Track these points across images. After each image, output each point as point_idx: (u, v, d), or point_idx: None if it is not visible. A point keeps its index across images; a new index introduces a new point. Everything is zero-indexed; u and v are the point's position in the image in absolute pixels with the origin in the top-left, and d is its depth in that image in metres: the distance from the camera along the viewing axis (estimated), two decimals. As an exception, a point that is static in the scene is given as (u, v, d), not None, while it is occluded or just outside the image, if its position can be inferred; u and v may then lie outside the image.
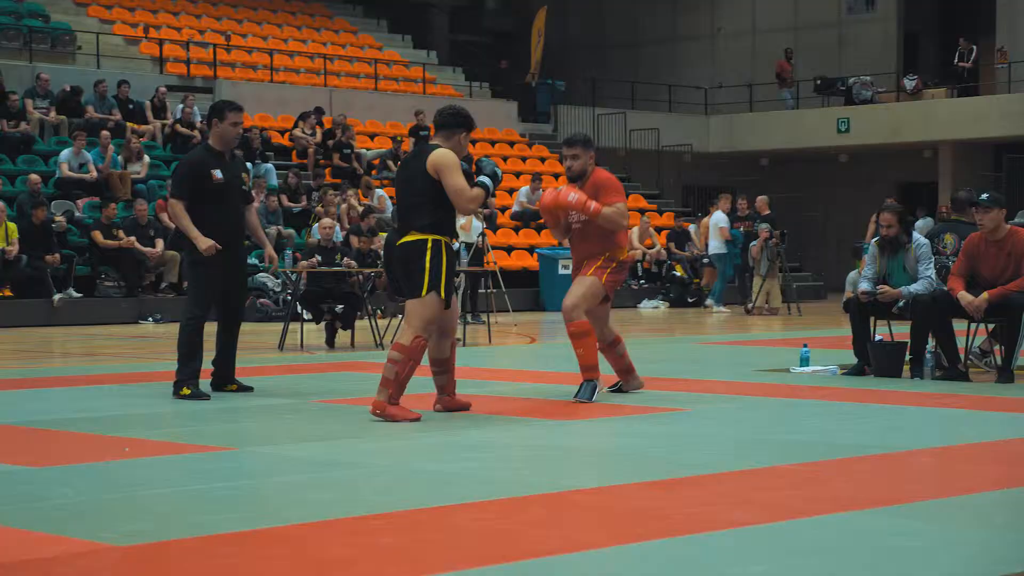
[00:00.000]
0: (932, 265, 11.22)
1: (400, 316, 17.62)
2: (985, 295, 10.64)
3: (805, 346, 12.21)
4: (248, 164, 24.70)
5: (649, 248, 27.37)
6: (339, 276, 15.42)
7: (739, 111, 35.90)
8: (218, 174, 9.63)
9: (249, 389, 10.03)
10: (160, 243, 21.08)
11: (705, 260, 26.29)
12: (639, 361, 13.28)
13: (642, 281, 26.99)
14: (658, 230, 28.86)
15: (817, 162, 35.60)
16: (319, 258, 15.38)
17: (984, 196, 10.83)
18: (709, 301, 24.81)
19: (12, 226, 19.82)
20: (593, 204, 9.33)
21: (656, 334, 19.10)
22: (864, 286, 11.41)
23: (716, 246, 24.50)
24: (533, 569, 4.58)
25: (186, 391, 9.56)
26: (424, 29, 37.04)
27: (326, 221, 15.98)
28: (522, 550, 4.85)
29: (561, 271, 24.55)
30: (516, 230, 27.08)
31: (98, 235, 20.68)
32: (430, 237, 8.30)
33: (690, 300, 26.28)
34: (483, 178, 8.46)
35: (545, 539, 5.04)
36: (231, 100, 10.26)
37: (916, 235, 11.41)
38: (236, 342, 10.12)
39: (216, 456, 7.02)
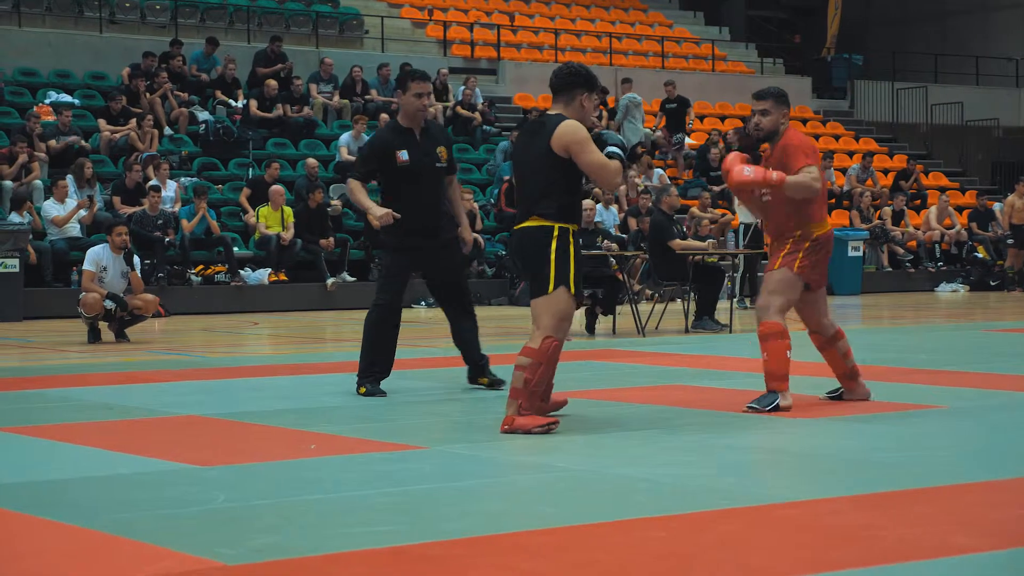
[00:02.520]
0: None
1: (669, 301, 17.18)
2: None
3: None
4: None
5: (948, 228, 25.91)
6: (599, 259, 14.83)
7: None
8: (403, 155, 8.75)
9: (501, 383, 8.98)
10: (435, 226, 20.87)
11: (1010, 241, 24.70)
12: (906, 350, 12.39)
13: (940, 263, 25.57)
14: (960, 209, 27.32)
15: None
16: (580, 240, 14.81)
17: None
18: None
19: (288, 210, 19.96)
20: (776, 174, 7.94)
21: (950, 319, 17.88)
22: None
23: None
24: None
25: (361, 390, 8.84)
26: (717, 5, 36.11)
27: (587, 203, 15.41)
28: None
29: (851, 252, 23.44)
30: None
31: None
32: (556, 224, 7.17)
33: (992, 283, 24.76)
34: (612, 148, 7.27)
35: (719, 565, 4.36)
36: (416, 70, 9.21)
37: None
38: (475, 331, 9.14)
39: (400, 456, 6.51)
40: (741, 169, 8.00)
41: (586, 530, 4.84)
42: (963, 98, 32.43)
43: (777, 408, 7.87)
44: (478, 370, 9.22)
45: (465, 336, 9.19)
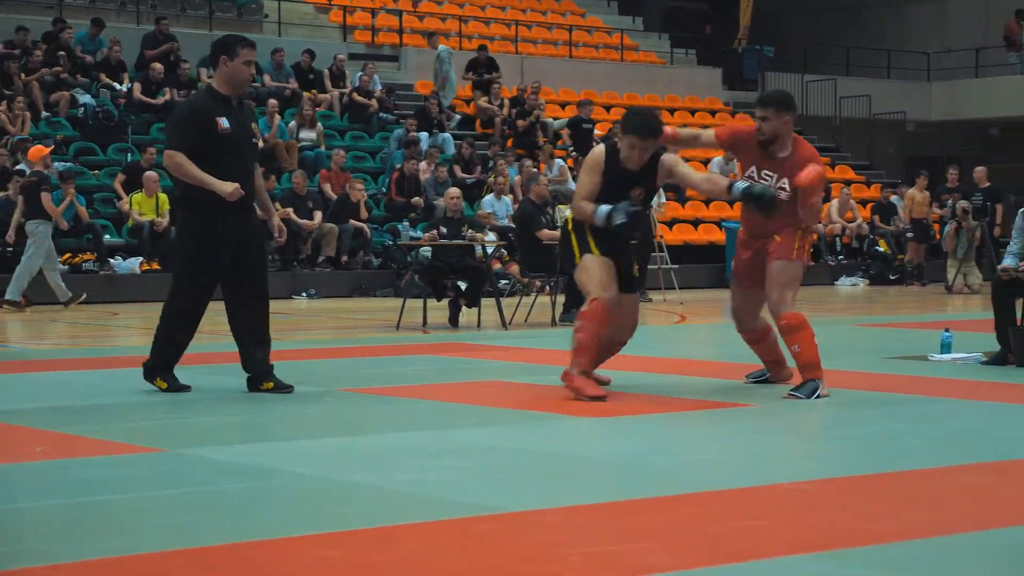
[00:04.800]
0: (1091, 240, 9.62)
1: (538, 293, 16.79)
2: None
3: (947, 330, 10.69)
4: (424, 134, 24.46)
5: (850, 222, 25.65)
6: (464, 250, 14.38)
7: (965, 77, 33.60)
8: (224, 123, 8.03)
9: (288, 388, 8.21)
10: (319, 215, 20.41)
11: (909, 235, 24.46)
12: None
13: (841, 257, 25.30)
14: (865, 203, 27.07)
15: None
16: (443, 230, 14.40)
17: None
18: None
19: (164, 197, 19.40)
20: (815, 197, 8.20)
21: (848, 313, 17.56)
22: (1007, 262, 9.89)
23: None
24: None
25: (162, 384, 8.20)
26: (633, -6, 35.73)
27: (452, 191, 14.95)
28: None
29: (749, 246, 23.09)
30: (706, 203, 25.66)
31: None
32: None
33: (892, 277, 24.52)
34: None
35: None
36: (242, 35, 8.59)
37: (1070, 204, 9.79)
38: (266, 328, 8.26)
39: (121, 461, 6.01)
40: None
41: (281, 543, 4.39)
42: (872, 91, 32.21)
43: (819, 396, 7.93)
44: (257, 377, 8.28)
45: (251, 337, 8.26)
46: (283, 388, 8.22)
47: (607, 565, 4.13)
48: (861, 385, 8.69)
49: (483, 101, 26.27)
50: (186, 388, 8.26)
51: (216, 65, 8.24)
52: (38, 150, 17.16)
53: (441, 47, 26.24)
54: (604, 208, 7.96)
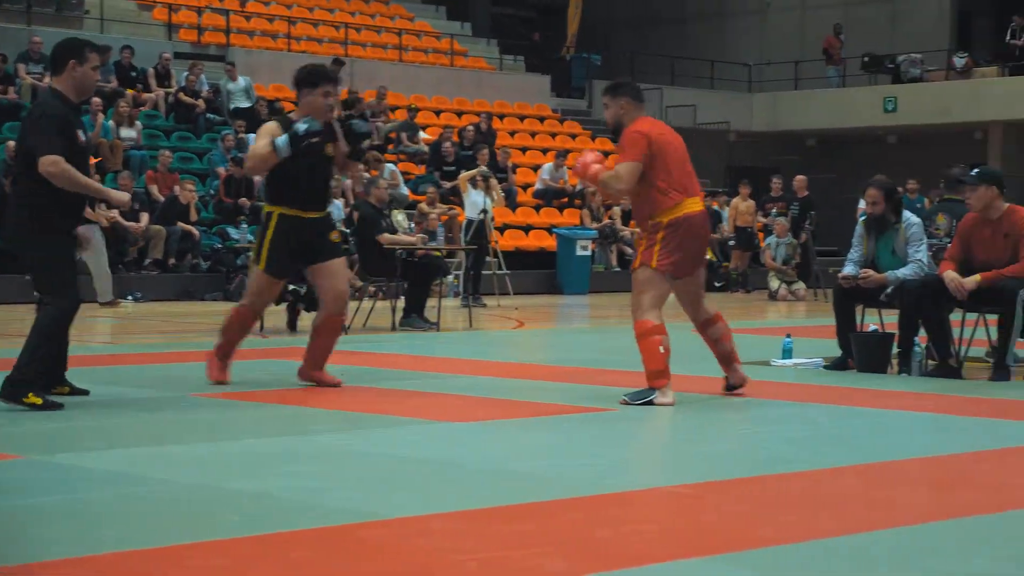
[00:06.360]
0: (924, 247, 9.86)
1: (378, 298, 16.65)
2: (977, 277, 9.29)
3: (788, 336, 10.88)
4: (253, 135, 24.03)
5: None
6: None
7: (785, 89, 34.39)
8: (82, 135, 7.72)
9: (84, 393, 7.94)
10: (145, 217, 19.98)
11: (732, 243, 24.92)
12: (606, 352, 12.12)
13: (668, 264, 25.59)
14: (690, 211, 27.43)
15: (865, 143, 34.03)
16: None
17: (972, 172, 9.49)
18: None
19: (-14, 196, 18.80)
20: (593, 168, 8.14)
21: (678, 320, 17.70)
22: (847, 270, 10.09)
23: None
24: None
25: (36, 400, 7.39)
26: (462, 0, 35.73)
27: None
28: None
29: (580, 252, 23.31)
30: (536, 208, 25.78)
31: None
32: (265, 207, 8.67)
33: (717, 284, 24.90)
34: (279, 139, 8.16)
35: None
36: (87, 40, 8.13)
37: (907, 214, 10.01)
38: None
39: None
40: (583, 158, 8.23)
41: (167, 552, 4.24)
42: (697, 101, 32.75)
43: (651, 403, 7.88)
44: (58, 378, 7.93)
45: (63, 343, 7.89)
46: (78, 392, 7.97)
47: (504, 571, 4.08)
48: (713, 389, 8.78)
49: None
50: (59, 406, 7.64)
51: (62, 69, 7.76)
52: None
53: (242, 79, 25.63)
54: (281, 138, 8.34)
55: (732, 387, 8.56)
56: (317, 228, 8.66)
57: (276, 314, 14.60)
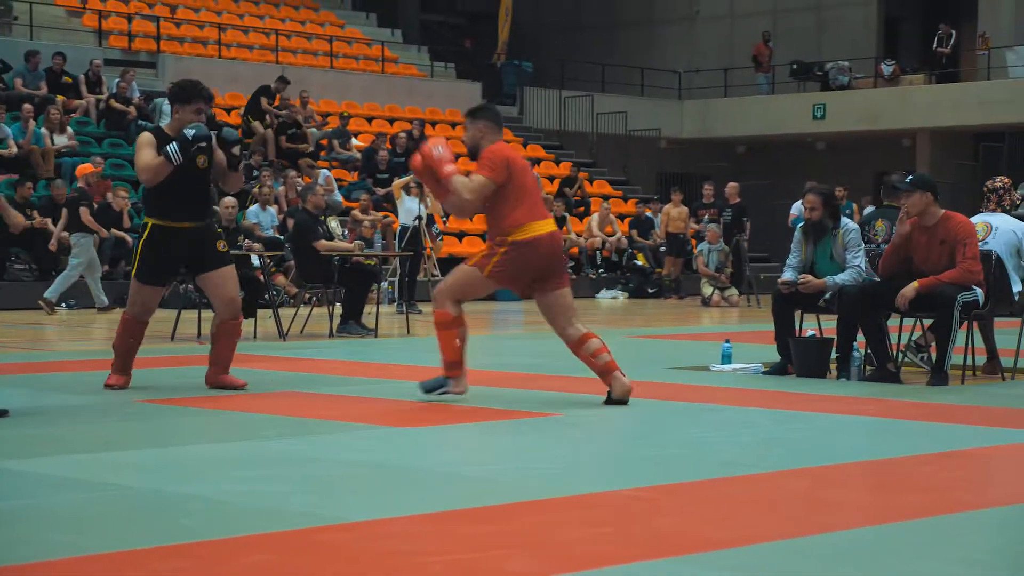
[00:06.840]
0: (862, 253, 9.99)
1: (315, 304, 16.61)
2: (915, 284, 9.41)
3: (727, 341, 10.98)
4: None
5: (610, 236, 26.16)
6: (240, 260, 14.11)
7: (715, 96, 34.66)
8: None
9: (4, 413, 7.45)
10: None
11: (663, 249, 25.10)
12: (548, 356, 12.15)
13: (601, 270, 25.77)
14: (623, 217, 27.63)
15: (794, 149, 34.36)
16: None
17: (907, 179, 9.62)
18: None
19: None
20: (448, 167, 8.07)
21: (610, 326, 17.84)
22: (786, 275, 10.19)
23: None
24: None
25: None
26: (391, 7, 35.71)
27: (227, 200, 14.69)
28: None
29: (513, 259, 23.31)
30: (470, 216, 25.76)
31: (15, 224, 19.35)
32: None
33: (650, 291, 25.08)
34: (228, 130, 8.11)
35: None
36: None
37: (845, 220, 10.14)
38: None
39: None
40: (440, 148, 8.15)
41: (127, 556, 4.22)
42: (627, 108, 32.91)
43: (445, 392, 8.21)
44: None
45: None
46: None
47: (471, 572, 4.11)
48: (654, 394, 8.84)
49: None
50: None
51: None
52: (85, 167, 18.88)
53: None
54: (171, 146, 8.49)
55: (616, 400, 8.23)
56: (194, 238, 8.77)
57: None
